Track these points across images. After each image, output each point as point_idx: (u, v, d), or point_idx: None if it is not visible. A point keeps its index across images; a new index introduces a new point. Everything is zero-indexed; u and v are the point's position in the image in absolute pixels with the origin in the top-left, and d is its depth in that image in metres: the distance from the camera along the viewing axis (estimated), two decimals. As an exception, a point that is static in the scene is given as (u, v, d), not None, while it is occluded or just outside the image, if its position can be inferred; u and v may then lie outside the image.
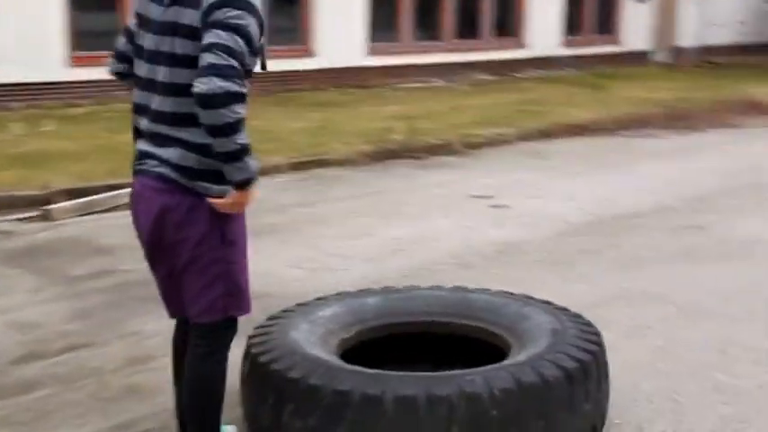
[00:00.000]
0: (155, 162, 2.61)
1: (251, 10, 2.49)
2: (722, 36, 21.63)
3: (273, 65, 12.75)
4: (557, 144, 9.81)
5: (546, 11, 18.23)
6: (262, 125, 10.70)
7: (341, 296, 3.66)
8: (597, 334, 3.14)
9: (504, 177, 7.84)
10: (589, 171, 8.14)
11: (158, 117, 2.61)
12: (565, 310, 3.38)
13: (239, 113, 2.42)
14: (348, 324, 3.41)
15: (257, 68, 2.64)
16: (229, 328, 2.78)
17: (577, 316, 3.30)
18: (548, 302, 3.46)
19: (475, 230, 5.96)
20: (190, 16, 2.52)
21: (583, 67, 18.57)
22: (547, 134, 10.18)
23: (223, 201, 2.57)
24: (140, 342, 4.21)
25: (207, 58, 2.41)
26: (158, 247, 2.69)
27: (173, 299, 2.80)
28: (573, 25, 19.06)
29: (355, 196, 7.23)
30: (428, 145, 9.29)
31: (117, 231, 6.32)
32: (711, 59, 20.93)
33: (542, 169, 8.26)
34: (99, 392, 3.66)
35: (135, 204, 2.75)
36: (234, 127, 2.42)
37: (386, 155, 8.97)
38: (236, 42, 2.44)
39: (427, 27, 16.90)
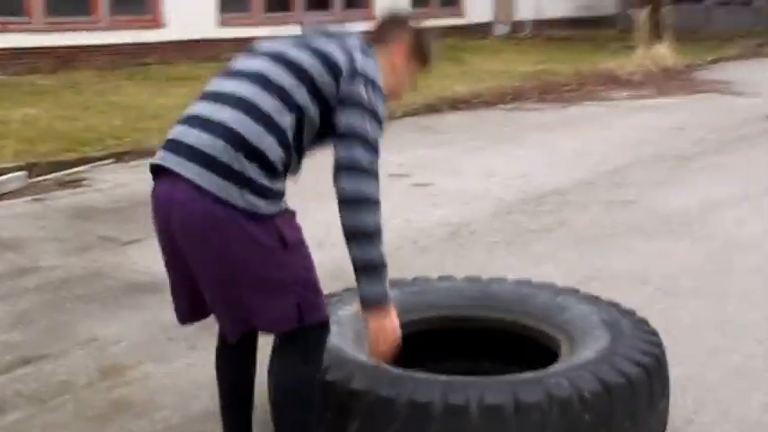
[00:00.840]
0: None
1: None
2: (556, 9, 22.39)
3: (120, 36, 12.07)
4: (444, 118, 9.77)
5: (394, -18, 18.20)
6: (128, 101, 10.08)
7: (352, 292, 3.38)
8: (647, 322, 3.03)
9: (410, 154, 7.68)
10: (491, 145, 8.12)
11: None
12: (597, 298, 3.27)
13: (380, 222, 2.36)
14: (374, 323, 3.15)
15: None
16: (314, 333, 2.43)
17: (615, 304, 3.19)
18: (575, 290, 3.33)
19: (413, 212, 5.77)
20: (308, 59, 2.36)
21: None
22: (432, 108, 10.12)
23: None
24: (105, 350, 3.77)
25: (356, 153, 2.31)
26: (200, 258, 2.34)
27: (225, 314, 2.44)
28: (419, -3, 19.17)
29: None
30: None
31: (14, 223, 5.72)
32: (547, 33, 21.62)
33: (444, 145, 8.17)
34: (83, 411, 3.22)
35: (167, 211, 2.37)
36: (376, 235, 2.35)
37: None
38: (378, 134, 2.36)
39: (278, -2, 16.55)
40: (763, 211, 5.76)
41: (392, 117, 9.60)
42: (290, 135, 2.31)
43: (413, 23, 2.61)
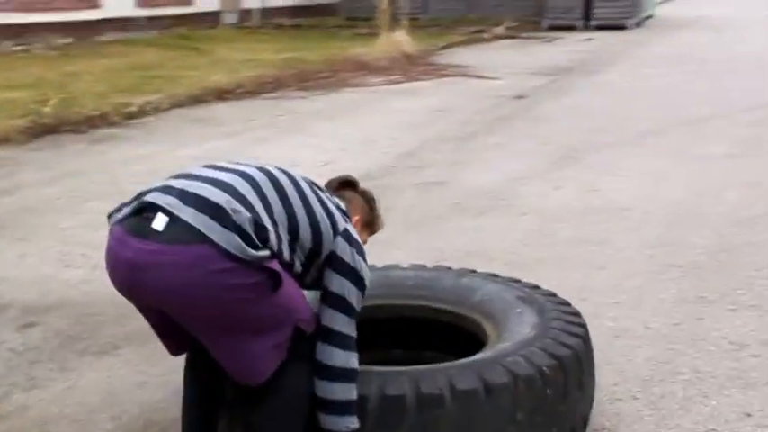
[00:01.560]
0: None
1: None
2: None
3: None
4: (214, 109, 9.53)
5: (117, -31, 17.51)
6: None
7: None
8: (556, 294, 3.17)
9: (201, 147, 7.43)
10: (278, 135, 8.05)
11: None
12: (497, 275, 3.37)
13: (353, 394, 2.35)
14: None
15: None
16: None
17: (517, 280, 3.31)
18: (473, 270, 3.42)
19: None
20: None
21: (159, 29, 18.19)
22: (198, 100, 9.83)
23: None
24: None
25: (338, 322, 2.33)
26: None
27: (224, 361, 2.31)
28: (147, -15, 18.53)
29: (53, 179, 6.35)
30: (86, 117, 8.45)
31: None
32: (275, 21, 21.72)
33: (230, 136, 7.98)
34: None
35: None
36: (350, 407, 2.34)
37: (42, 130, 7.99)
38: (360, 302, 2.40)
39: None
40: (558, 184, 6.18)
41: (158, 109, 9.24)
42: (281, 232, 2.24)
43: (364, 192, 2.74)
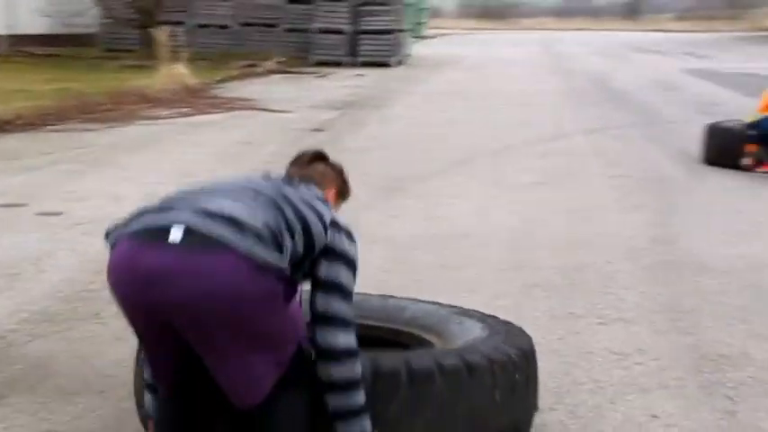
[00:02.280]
0: None
1: None
2: (33, 25, 21.43)
3: None
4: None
5: None
6: None
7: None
8: (478, 310, 3.30)
9: (2, 182, 6.90)
10: (88, 169, 7.62)
11: None
12: (416, 299, 3.45)
13: (360, 369, 2.36)
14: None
15: None
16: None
17: (437, 303, 3.40)
18: (392, 296, 3.47)
19: (77, 243, 5.25)
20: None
21: None
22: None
23: None
24: None
25: (334, 305, 2.31)
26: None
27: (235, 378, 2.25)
28: None
29: None
30: None
31: None
32: (26, 49, 20.52)
33: (32, 170, 7.46)
34: None
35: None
36: (357, 383, 2.35)
37: None
38: (353, 285, 2.39)
39: None
40: (393, 213, 6.32)
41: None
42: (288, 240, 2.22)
43: (334, 164, 2.75)
